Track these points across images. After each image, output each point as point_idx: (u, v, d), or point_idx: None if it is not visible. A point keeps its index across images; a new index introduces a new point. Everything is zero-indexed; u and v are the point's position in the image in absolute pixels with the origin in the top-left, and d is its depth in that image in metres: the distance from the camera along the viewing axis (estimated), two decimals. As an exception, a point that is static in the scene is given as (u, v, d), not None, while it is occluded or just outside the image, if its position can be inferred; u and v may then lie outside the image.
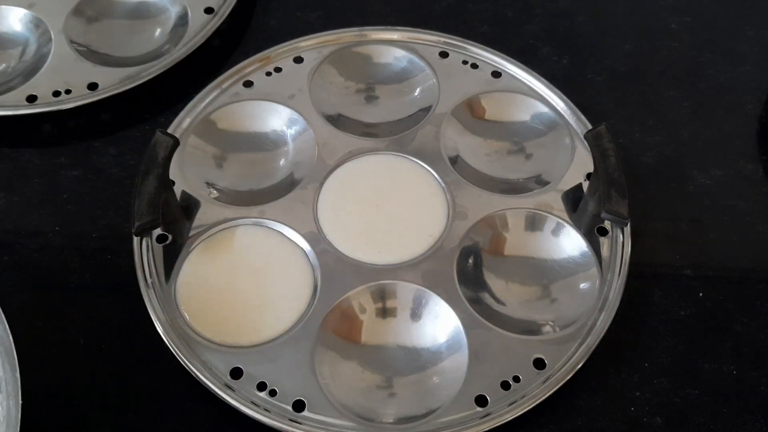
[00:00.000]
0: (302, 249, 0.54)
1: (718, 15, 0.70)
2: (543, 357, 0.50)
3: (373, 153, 0.59)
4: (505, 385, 0.49)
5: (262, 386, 0.49)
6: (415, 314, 0.52)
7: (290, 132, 0.60)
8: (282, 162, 0.60)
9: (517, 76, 0.63)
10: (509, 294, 0.54)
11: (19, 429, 0.40)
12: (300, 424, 0.47)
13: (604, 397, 0.51)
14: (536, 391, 0.49)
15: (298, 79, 0.62)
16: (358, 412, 0.49)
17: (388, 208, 0.56)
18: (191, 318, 0.51)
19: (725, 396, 0.51)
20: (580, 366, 0.49)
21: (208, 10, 0.67)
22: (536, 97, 0.62)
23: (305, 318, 0.51)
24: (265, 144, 0.60)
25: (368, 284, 0.52)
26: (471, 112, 0.61)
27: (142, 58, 0.65)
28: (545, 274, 0.54)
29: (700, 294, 0.55)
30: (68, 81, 0.62)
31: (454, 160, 0.59)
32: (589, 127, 0.58)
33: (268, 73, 0.63)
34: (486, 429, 0.47)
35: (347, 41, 0.65)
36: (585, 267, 0.54)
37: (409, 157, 0.58)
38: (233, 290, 0.53)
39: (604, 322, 0.51)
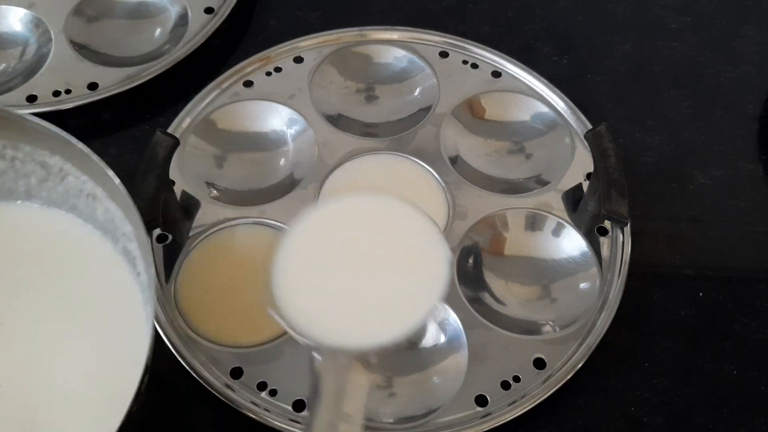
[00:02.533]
0: (302, 249, 0.54)
1: (718, 15, 0.70)
2: (543, 357, 0.50)
3: (373, 153, 0.59)
4: (505, 385, 0.49)
5: (262, 386, 0.49)
6: (415, 314, 0.52)
7: (290, 132, 0.60)
8: (282, 162, 0.60)
9: (517, 76, 0.63)
10: (509, 294, 0.54)
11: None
12: (300, 424, 0.47)
13: (604, 397, 0.51)
14: (536, 391, 0.49)
15: (298, 79, 0.62)
16: (358, 412, 0.48)
17: (388, 208, 0.56)
18: (191, 318, 0.51)
19: (725, 396, 0.51)
20: (580, 366, 0.49)
21: (208, 10, 0.67)
22: (536, 97, 0.62)
23: (305, 318, 0.51)
24: (265, 144, 0.60)
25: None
26: (471, 112, 0.61)
27: (142, 58, 0.65)
28: (545, 274, 0.54)
29: (700, 294, 0.55)
30: (68, 81, 0.62)
31: (454, 160, 0.59)
32: (589, 127, 0.58)
33: (268, 73, 0.63)
34: (486, 429, 0.47)
35: (347, 41, 0.65)
36: (585, 267, 0.54)
37: (409, 157, 0.58)
38: (233, 290, 0.53)
39: (604, 322, 0.51)
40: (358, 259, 0.40)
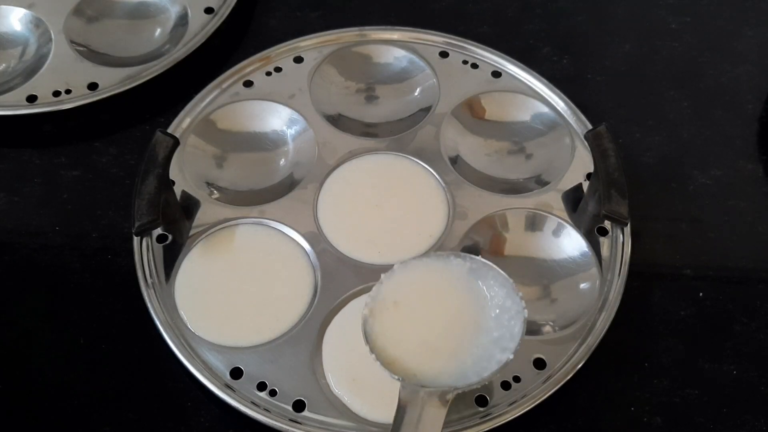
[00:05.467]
0: (302, 249, 0.54)
1: (718, 15, 0.70)
2: (543, 357, 0.50)
3: (373, 153, 0.59)
4: (505, 385, 0.49)
5: (262, 386, 0.49)
6: (415, 314, 0.52)
7: (290, 132, 0.60)
8: (282, 162, 0.60)
9: (517, 76, 0.63)
10: (509, 294, 0.53)
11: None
12: (300, 424, 0.47)
13: (604, 397, 0.51)
14: (536, 391, 0.49)
15: (298, 79, 0.62)
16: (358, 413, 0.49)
17: (388, 208, 0.56)
18: (191, 318, 0.51)
19: (725, 396, 0.51)
20: (580, 366, 0.49)
21: (208, 10, 0.67)
22: (536, 97, 0.62)
23: (305, 318, 0.51)
24: (265, 144, 0.60)
25: (368, 284, 0.52)
26: (471, 112, 0.61)
27: (142, 58, 0.65)
28: (545, 274, 0.54)
29: (700, 294, 0.55)
30: (68, 81, 0.62)
31: (454, 160, 0.59)
32: (589, 127, 0.58)
33: (268, 73, 0.63)
34: (486, 429, 0.47)
35: (347, 41, 0.65)
36: (585, 267, 0.54)
37: (409, 157, 0.58)
38: (233, 290, 0.53)
39: (604, 322, 0.51)
40: (441, 313, 0.46)
